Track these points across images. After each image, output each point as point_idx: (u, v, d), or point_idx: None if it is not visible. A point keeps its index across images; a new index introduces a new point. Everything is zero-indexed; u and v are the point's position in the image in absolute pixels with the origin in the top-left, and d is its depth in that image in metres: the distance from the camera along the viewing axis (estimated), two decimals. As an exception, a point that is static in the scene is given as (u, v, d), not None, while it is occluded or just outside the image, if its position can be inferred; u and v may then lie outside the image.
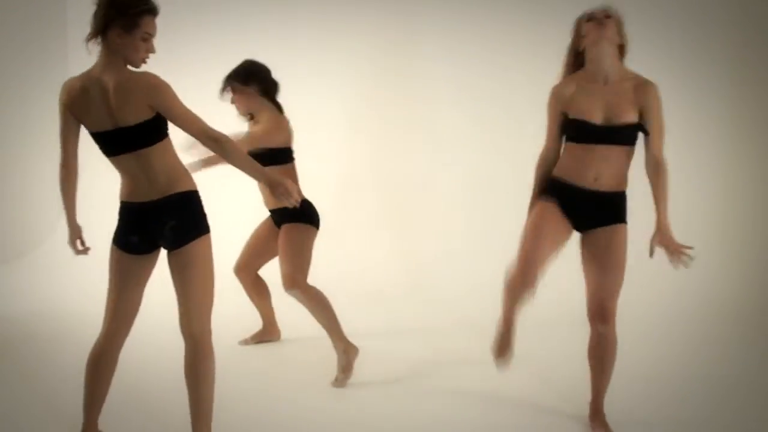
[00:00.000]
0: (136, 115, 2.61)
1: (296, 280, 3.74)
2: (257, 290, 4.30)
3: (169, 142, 2.72)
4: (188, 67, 5.33)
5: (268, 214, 4.13)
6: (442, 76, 5.66)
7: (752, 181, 5.21)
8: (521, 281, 3.01)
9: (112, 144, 2.67)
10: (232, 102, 3.85)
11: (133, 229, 2.74)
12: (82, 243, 2.90)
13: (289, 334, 4.46)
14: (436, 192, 5.77)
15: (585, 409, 3.19)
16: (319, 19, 5.81)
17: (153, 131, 2.66)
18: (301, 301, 3.78)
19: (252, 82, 3.81)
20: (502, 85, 5.46)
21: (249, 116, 3.92)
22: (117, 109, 2.62)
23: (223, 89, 3.83)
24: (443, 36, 5.64)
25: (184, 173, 2.75)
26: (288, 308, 4.41)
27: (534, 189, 3.19)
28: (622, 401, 3.22)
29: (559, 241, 3.08)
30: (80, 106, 2.66)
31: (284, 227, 3.87)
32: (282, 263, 3.80)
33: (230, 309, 4.78)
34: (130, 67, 2.66)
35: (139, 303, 2.85)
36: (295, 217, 3.87)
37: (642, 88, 2.91)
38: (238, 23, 5.85)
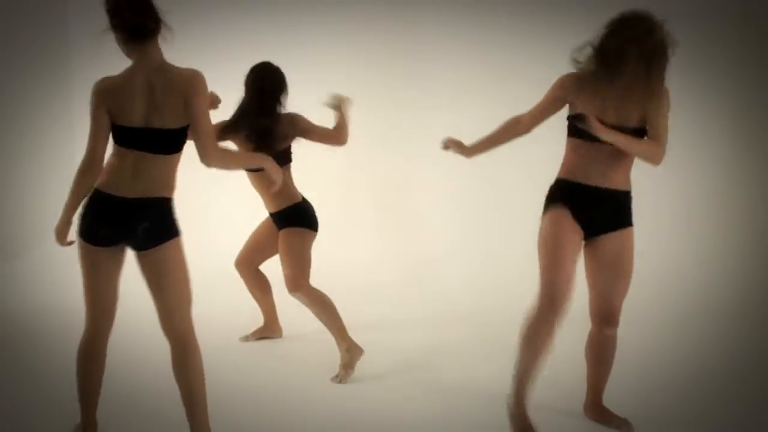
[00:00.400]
0: (171, 118, 2.68)
1: (299, 284, 3.78)
2: (258, 285, 4.31)
3: (179, 158, 2.77)
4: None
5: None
6: (442, 75, 5.66)
7: (753, 180, 5.22)
8: (551, 310, 2.86)
9: (132, 139, 2.70)
10: None
11: (103, 220, 2.72)
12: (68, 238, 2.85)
13: (291, 330, 4.47)
14: (436, 189, 5.78)
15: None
16: (320, 21, 5.81)
17: (176, 141, 2.72)
18: (304, 304, 3.83)
19: None
20: (503, 83, 5.46)
21: None
22: (157, 108, 2.67)
23: None
24: (444, 36, 5.64)
25: (171, 181, 2.77)
26: (289, 305, 4.42)
27: (488, 140, 3.21)
28: (620, 401, 3.22)
29: (578, 252, 2.97)
30: (117, 100, 2.69)
31: (283, 232, 3.91)
32: (284, 267, 3.84)
33: (231, 306, 4.82)
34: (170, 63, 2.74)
35: (116, 294, 2.85)
36: (294, 222, 3.91)
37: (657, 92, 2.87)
38: (239, 26, 5.85)
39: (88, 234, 2.74)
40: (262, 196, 3.97)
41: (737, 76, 5.14)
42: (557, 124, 3.08)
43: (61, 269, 5.87)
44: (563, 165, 3.02)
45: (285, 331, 4.47)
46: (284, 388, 3.67)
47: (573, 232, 2.93)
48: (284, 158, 3.89)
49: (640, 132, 2.88)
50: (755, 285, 4.92)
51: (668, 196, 5.18)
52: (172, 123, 2.69)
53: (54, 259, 5.76)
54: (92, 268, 2.77)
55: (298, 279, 3.79)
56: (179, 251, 2.77)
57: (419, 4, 5.71)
